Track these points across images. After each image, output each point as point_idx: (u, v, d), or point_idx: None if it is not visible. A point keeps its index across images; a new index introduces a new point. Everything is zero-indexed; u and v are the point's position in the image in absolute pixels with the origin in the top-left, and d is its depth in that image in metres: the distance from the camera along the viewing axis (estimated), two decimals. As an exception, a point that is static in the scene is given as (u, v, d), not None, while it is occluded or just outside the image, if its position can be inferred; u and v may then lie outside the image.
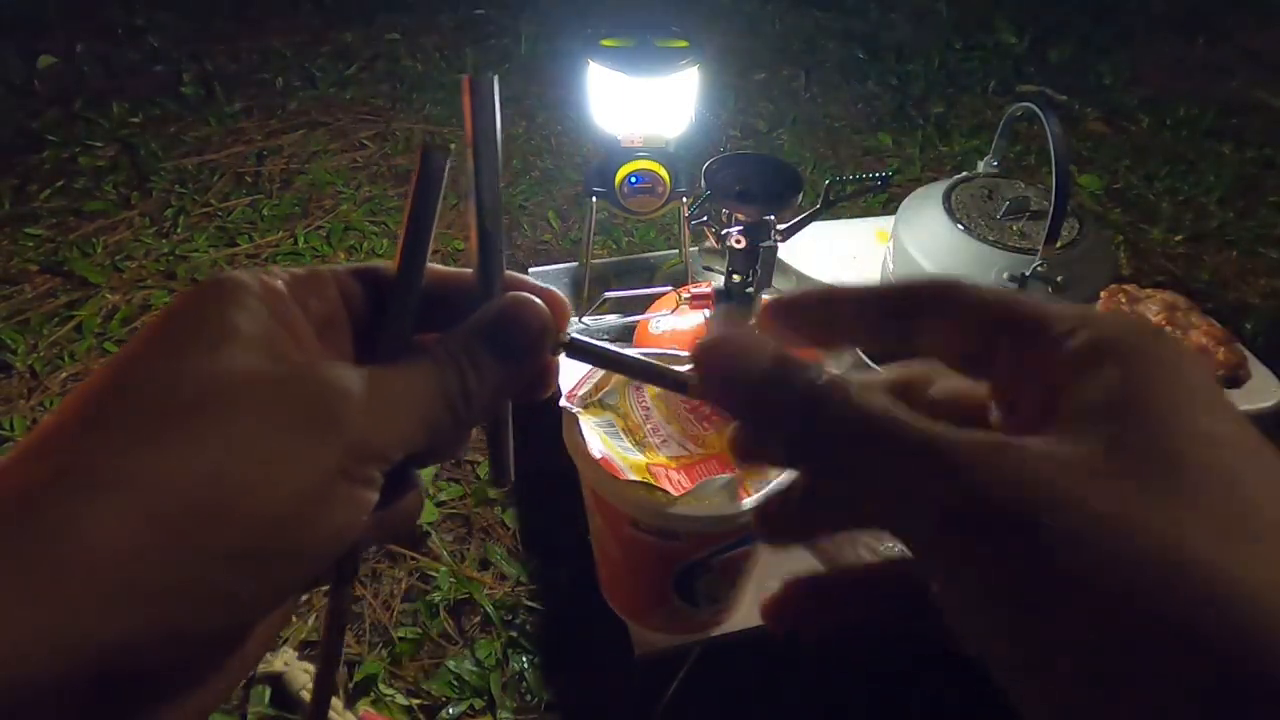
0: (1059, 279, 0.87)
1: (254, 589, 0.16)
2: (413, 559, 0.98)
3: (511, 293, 0.22)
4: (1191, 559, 0.15)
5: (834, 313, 0.21)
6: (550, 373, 0.24)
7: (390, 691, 0.86)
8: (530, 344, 0.22)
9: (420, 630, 0.91)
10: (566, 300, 0.23)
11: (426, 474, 1.05)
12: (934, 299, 0.20)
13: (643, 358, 0.24)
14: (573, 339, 0.23)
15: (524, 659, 0.89)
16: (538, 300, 0.22)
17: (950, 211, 0.96)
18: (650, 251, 1.27)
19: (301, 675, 0.84)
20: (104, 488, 0.14)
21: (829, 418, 0.17)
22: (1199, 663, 0.14)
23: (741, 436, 0.20)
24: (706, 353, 0.19)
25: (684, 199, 0.93)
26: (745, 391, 0.19)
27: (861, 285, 0.22)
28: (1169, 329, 0.80)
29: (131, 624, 0.14)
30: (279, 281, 0.20)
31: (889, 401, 0.17)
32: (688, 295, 0.91)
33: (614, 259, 1.13)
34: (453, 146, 0.21)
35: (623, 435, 0.63)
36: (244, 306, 0.18)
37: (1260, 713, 0.14)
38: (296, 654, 0.87)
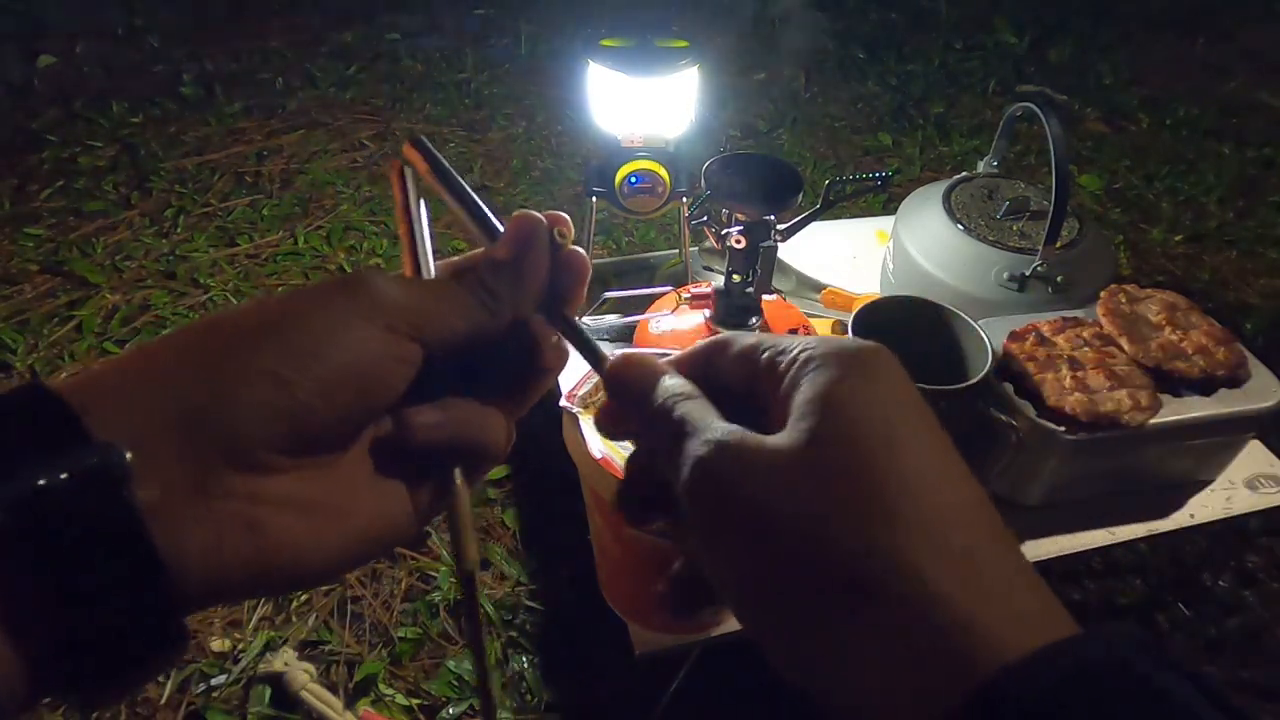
0: (1059, 279, 0.87)
1: (320, 400, 0.23)
2: (413, 559, 0.98)
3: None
4: (822, 512, 0.21)
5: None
6: (572, 277, 0.28)
7: (390, 691, 0.86)
8: (527, 231, 0.27)
9: (420, 630, 0.91)
10: (565, 216, 0.28)
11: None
12: (715, 351, 0.28)
13: (590, 337, 0.30)
14: (567, 318, 0.29)
15: (524, 659, 0.89)
16: (532, 212, 0.28)
17: (950, 211, 0.96)
18: (650, 251, 1.27)
19: (301, 675, 0.84)
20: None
21: (659, 413, 0.26)
22: (831, 581, 0.21)
23: (607, 414, 0.30)
24: (615, 365, 0.28)
25: (684, 199, 0.92)
26: (631, 393, 0.28)
27: (669, 357, 0.29)
28: (1168, 329, 0.80)
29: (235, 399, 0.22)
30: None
31: (697, 407, 0.26)
32: (688, 295, 0.91)
33: (614, 259, 1.13)
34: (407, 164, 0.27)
35: (623, 435, 0.63)
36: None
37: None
38: (296, 654, 0.87)
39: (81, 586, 0.19)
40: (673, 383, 0.27)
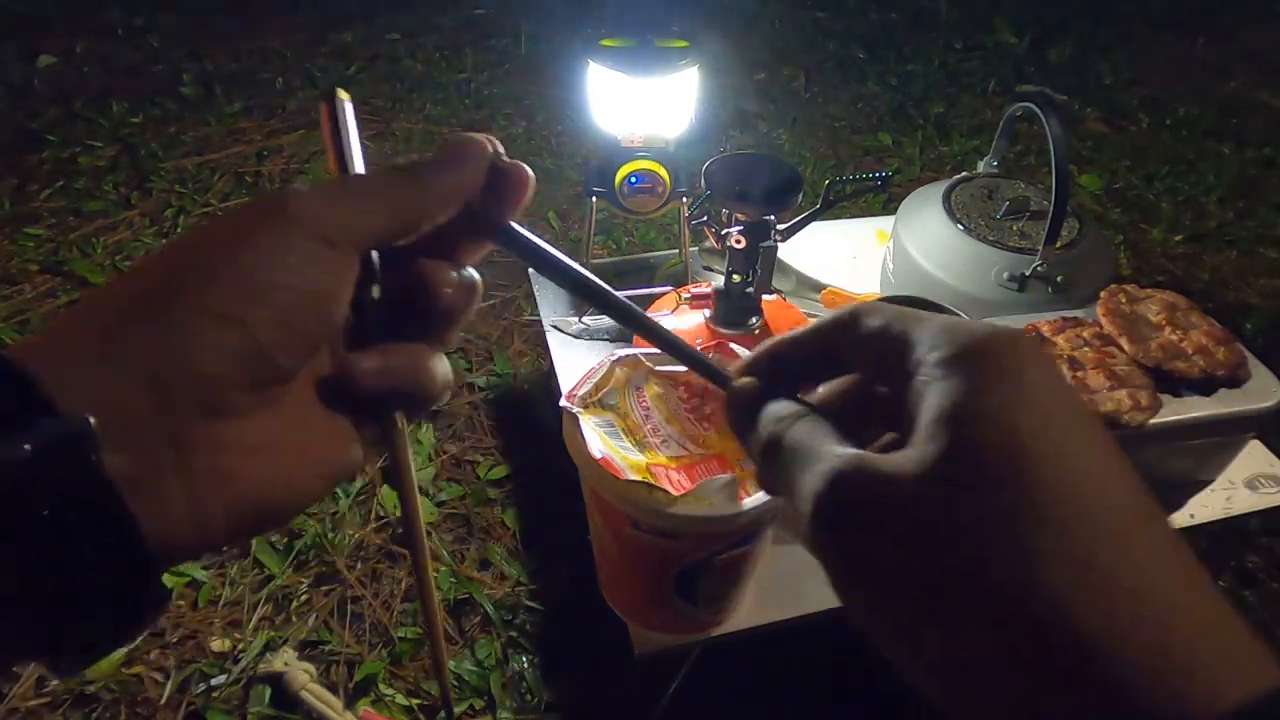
0: (1059, 279, 0.87)
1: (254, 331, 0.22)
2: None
3: None
4: (974, 549, 0.19)
5: (782, 362, 0.28)
6: (511, 182, 0.28)
7: (390, 691, 0.86)
8: (465, 141, 0.27)
9: (420, 630, 0.91)
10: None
11: (426, 475, 1.05)
12: (840, 331, 0.26)
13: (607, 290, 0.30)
14: (510, 226, 0.28)
15: (524, 659, 0.89)
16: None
17: (950, 211, 0.96)
18: (650, 251, 1.27)
19: (301, 675, 0.84)
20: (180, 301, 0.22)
21: (769, 446, 0.26)
22: (990, 624, 0.19)
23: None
24: (735, 391, 0.28)
25: (684, 199, 0.92)
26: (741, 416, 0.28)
27: (792, 333, 0.28)
28: (1168, 329, 0.80)
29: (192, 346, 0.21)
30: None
31: (806, 431, 0.25)
32: (688, 295, 0.91)
33: (614, 259, 1.13)
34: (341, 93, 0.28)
35: (623, 435, 0.63)
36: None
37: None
38: (296, 654, 0.87)
39: (56, 559, 0.19)
40: (778, 406, 0.26)
